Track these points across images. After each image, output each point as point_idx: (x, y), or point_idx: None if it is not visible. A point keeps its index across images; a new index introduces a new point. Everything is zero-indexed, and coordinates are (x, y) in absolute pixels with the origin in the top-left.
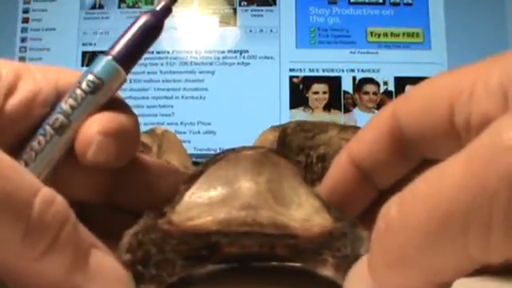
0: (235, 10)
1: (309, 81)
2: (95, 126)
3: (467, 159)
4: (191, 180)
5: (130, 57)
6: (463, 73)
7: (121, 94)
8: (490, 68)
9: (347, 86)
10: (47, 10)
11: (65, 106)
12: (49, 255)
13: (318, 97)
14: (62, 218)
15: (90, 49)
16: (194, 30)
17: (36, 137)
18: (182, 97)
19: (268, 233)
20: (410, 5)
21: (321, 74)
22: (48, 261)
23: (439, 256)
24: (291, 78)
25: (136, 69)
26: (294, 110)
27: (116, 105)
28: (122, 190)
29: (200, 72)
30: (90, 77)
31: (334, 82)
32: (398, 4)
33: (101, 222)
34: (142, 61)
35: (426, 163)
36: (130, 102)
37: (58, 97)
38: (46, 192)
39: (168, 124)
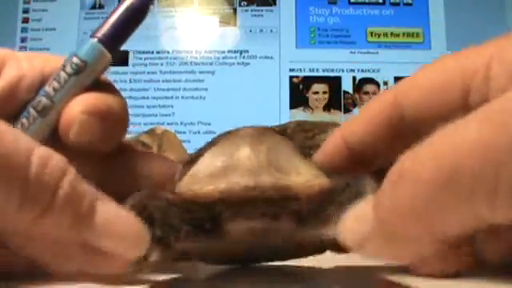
0: (235, 10)
1: (309, 81)
2: (78, 106)
3: (479, 122)
4: (192, 161)
5: (115, 39)
6: (474, 53)
7: (121, 94)
8: (504, 45)
9: (347, 86)
10: (47, 10)
11: (48, 88)
12: (48, 215)
13: (318, 97)
14: (60, 175)
15: None
16: (194, 30)
17: (19, 119)
18: (182, 97)
19: (270, 196)
20: (410, 5)
21: (321, 74)
22: (48, 220)
23: (446, 211)
24: (291, 78)
25: (136, 69)
26: (293, 110)
27: (103, 86)
28: (113, 178)
29: (200, 72)
30: (74, 59)
31: (333, 82)
32: (397, 4)
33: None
34: (141, 61)
35: None
36: (129, 102)
37: (44, 82)
38: (42, 150)
39: (168, 124)
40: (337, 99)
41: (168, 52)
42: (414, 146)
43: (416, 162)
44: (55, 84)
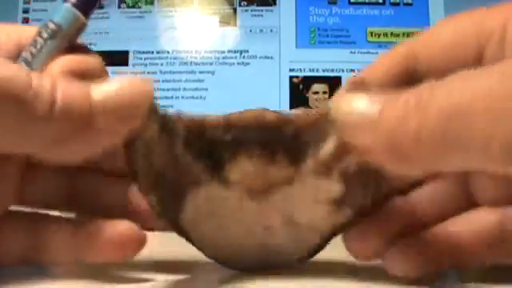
0: (235, 10)
1: (309, 81)
2: (57, 68)
3: (493, 72)
4: None
5: (88, 2)
6: (489, 14)
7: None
8: None
9: None
10: (47, 10)
11: (25, 53)
12: (56, 113)
13: (318, 97)
14: (53, 80)
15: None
16: (194, 30)
17: None
18: (182, 97)
19: (269, 120)
20: (410, 5)
21: (321, 74)
22: (56, 118)
23: (444, 148)
24: (291, 78)
25: (136, 69)
26: (294, 110)
27: (79, 49)
28: (110, 153)
29: (200, 72)
30: (49, 24)
31: (334, 82)
32: (397, 4)
33: (95, 194)
34: (141, 61)
35: None
36: None
37: (21, 52)
38: (36, 72)
39: None
40: None
41: (168, 52)
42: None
43: (434, 94)
44: (32, 49)
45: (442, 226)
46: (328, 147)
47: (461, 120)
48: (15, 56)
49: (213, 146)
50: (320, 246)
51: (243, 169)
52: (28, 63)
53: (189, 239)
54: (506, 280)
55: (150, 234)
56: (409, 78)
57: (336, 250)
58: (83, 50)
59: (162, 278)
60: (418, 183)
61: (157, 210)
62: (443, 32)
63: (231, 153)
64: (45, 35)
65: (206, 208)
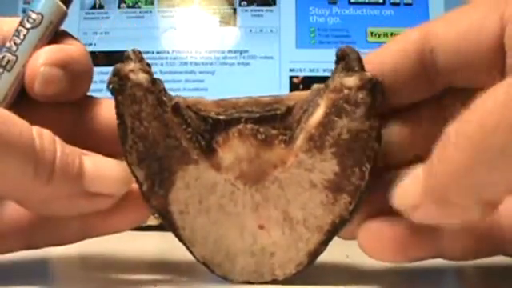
0: (235, 10)
1: (309, 81)
2: (40, 59)
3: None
4: None
5: None
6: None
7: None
8: None
9: None
10: None
11: (9, 43)
12: (53, 178)
13: None
14: (53, 142)
15: (90, 49)
16: (194, 30)
17: None
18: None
19: (263, 99)
20: (410, 5)
21: (321, 74)
22: (54, 182)
23: (488, 172)
24: (291, 78)
25: None
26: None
27: (63, 39)
28: (83, 128)
29: (200, 72)
30: (31, 13)
31: None
32: (397, 4)
33: None
34: None
35: (449, 92)
36: None
37: (4, 43)
38: (35, 127)
39: None
40: None
41: (168, 52)
42: (457, 112)
43: (461, 131)
44: (16, 39)
45: None
46: (317, 114)
47: (491, 143)
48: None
49: (206, 125)
50: (321, 247)
51: (235, 151)
52: (13, 53)
53: (178, 235)
54: (505, 281)
55: (149, 234)
56: (424, 60)
57: (334, 255)
58: (67, 38)
59: (162, 278)
60: (417, 158)
61: (144, 189)
62: (461, 16)
63: (224, 132)
64: (27, 25)
65: (196, 191)
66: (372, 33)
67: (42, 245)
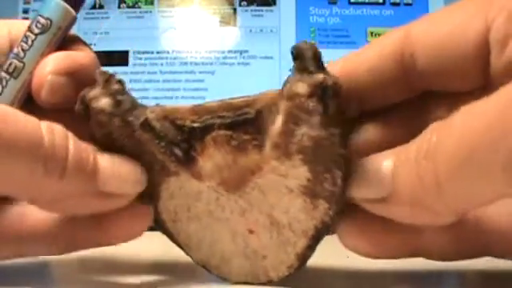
0: (235, 10)
1: None
2: (48, 66)
3: (497, 101)
4: None
5: None
6: None
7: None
8: None
9: None
10: None
11: (17, 49)
12: (65, 176)
13: None
14: (65, 138)
15: None
16: (194, 30)
17: None
18: (182, 97)
19: (234, 103)
20: (410, 5)
21: None
22: (66, 181)
23: (467, 186)
24: None
25: (136, 69)
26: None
27: (72, 44)
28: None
29: (200, 72)
30: (39, 19)
31: None
32: (397, 4)
33: None
34: (141, 61)
35: (426, 97)
36: None
37: (12, 47)
38: (45, 122)
39: None
40: None
41: (168, 52)
42: (435, 117)
43: (440, 139)
44: (24, 45)
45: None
46: (277, 123)
47: (472, 161)
48: (7, 50)
49: (183, 134)
50: (309, 250)
51: (213, 160)
52: (20, 59)
53: (175, 240)
54: (507, 285)
55: (149, 234)
56: (403, 63)
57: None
58: (77, 43)
59: (162, 278)
60: None
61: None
62: (445, 18)
63: (201, 140)
64: (35, 30)
65: (183, 200)
66: (372, 33)
67: (36, 253)
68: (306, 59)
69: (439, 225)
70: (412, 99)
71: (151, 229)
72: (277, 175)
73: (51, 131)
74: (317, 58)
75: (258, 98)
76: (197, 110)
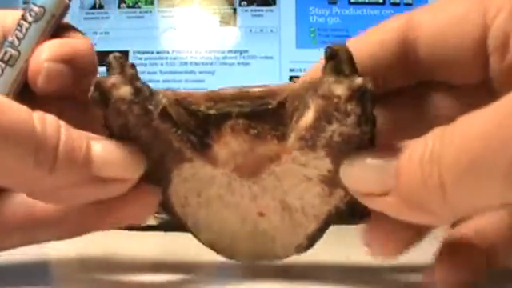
0: (235, 10)
1: None
2: (43, 54)
3: (496, 111)
4: None
5: None
6: None
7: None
8: None
9: None
10: None
11: (11, 38)
12: (57, 166)
13: None
14: (57, 128)
15: None
16: (194, 30)
17: None
18: None
19: (253, 93)
20: (410, 5)
21: None
22: (58, 171)
23: (470, 191)
24: (291, 78)
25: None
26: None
27: (67, 32)
28: (92, 127)
29: (200, 72)
30: (33, 7)
31: None
32: (398, 4)
33: None
34: (141, 61)
35: (427, 85)
36: None
37: (5, 36)
38: (37, 112)
39: None
40: None
41: (168, 52)
42: (440, 123)
43: (443, 146)
44: (18, 33)
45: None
46: (307, 118)
47: (473, 168)
48: (1, 40)
49: (197, 120)
50: (319, 232)
51: (229, 147)
52: (15, 48)
53: (183, 224)
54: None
55: (149, 234)
56: (405, 50)
57: (327, 253)
58: (71, 31)
59: (162, 278)
60: None
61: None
62: (445, 7)
63: (217, 127)
64: (29, 18)
65: (194, 185)
66: None
67: (43, 240)
68: (341, 61)
69: (437, 225)
70: (414, 86)
71: (151, 229)
72: (296, 164)
73: (43, 121)
74: (352, 61)
75: (277, 89)
76: (212, 96)
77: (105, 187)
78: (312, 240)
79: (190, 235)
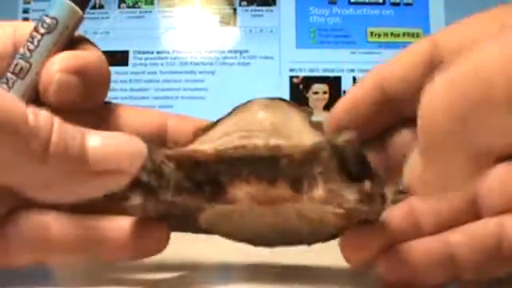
0: (235, 10)
1: (309, 81)
2: (55, 65)
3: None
4: (208, 127)
5: None
6: (509, 11)
7: (121, 94)
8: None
9: (347, 86)
10: None
11: (23, 50)
12: (48, 160)
13: (318, 97)
14: (50, 122)
15: None
16: (194, 30)
17: None
18: (182, 97)
19: (260, 155)
20: (410, 5)
21: (321, 74)
22: (50, 165)
23: (483, 121)
24: (291, 78)
25: (136, 69)
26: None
27: (79, 44)
28: None
29: (200, 72)
30: (45, 18)
31: (334, 82)
32: (397, 4)
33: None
34: (141, 61)
35: None
36: (130, 102)
37: (17, 48)
38: (31, 107)
39: None
40: (337, 99)
41: (168, 52)
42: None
43: (452, 83)
44: (30, 45)
45: (442, 236)
46: (319, 192)
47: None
48: (11, 51)
49: (209, 174)
50: (335, 236)
51: (245, 191)
52: (26, 59)
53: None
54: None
55: None
56: (433, 71)
57: (327, 257)
58: (84, 43)
59: (162, 278)
60: None
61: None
62: (466, 28)
63: (229, 179)
64: (41, 30)
65: (217, 216)
66: (372, 33)
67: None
68: (348, 161)
69: (466, 184)
70: None
71: None
72: (315, 204)
73: (36, 113)
74: (359, 158)
75: (285, 149)
76: (220, 157)
77: (101, 180)
78: (329, 239)
79: (190, 235)
